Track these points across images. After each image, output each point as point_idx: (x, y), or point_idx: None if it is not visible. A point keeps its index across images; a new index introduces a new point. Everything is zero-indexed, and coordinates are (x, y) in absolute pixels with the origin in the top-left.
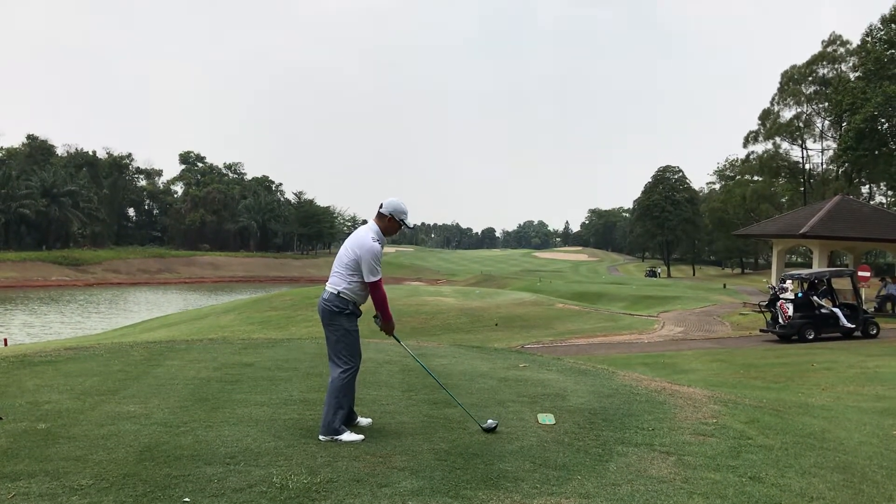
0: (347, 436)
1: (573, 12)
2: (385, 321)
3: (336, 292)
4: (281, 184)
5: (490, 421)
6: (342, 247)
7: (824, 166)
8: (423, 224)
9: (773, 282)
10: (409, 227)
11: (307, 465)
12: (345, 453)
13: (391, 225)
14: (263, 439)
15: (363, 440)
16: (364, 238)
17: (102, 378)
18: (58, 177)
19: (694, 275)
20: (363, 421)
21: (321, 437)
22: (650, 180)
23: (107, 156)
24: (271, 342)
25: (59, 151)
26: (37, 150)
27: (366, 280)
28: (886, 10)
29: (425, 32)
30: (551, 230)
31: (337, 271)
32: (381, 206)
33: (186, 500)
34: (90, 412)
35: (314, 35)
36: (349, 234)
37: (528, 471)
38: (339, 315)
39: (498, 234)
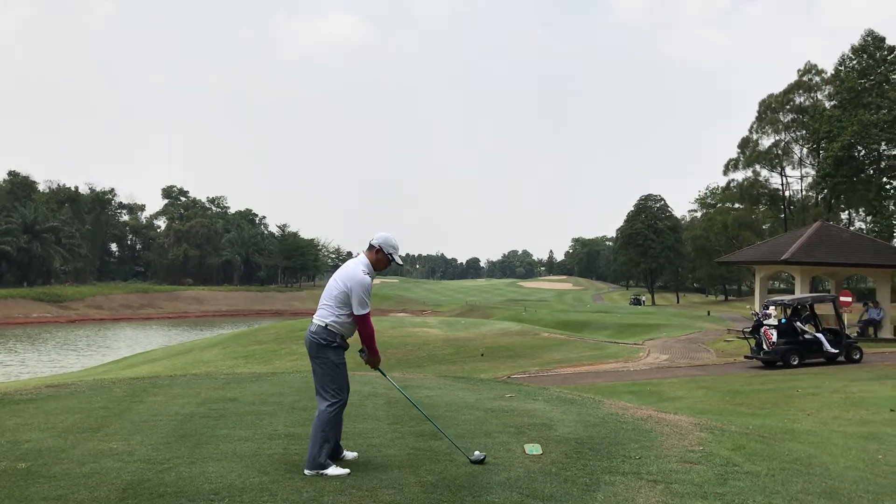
0: (333, 470)
1: (553, 44)
2: (371, 355)
3: (324, 325)
4: (264, 217)
5: (477, 453)
6: (331, 279)
7: (804, 193)
8: (407, 255)
9: (757, 308)
10: (398, 264)
11: (292, 500)
12: (331, 488)
13: (381, 259)
14: (248, 475)
15: (349, 474)
16: (355, 271)
17: (84, 415)
18: (39, 213)
19: (678, 302)
20: (349, 455)
21: (306, 472)
22: (632, 209)
23: (89, 191)
24: (255, 376)
25: (41, 187)
26: (18, 186)
27: (355, 312)
28: (856, 41)
29: (405, 65)
30: (536, 259)
31: (326, 304)
32: (372, 240)
33: None
34: (72, 450)
35: (295, 69)
36: (334, 266)
37: (516, 502)
38: (327, 348)
39: (483, 264)
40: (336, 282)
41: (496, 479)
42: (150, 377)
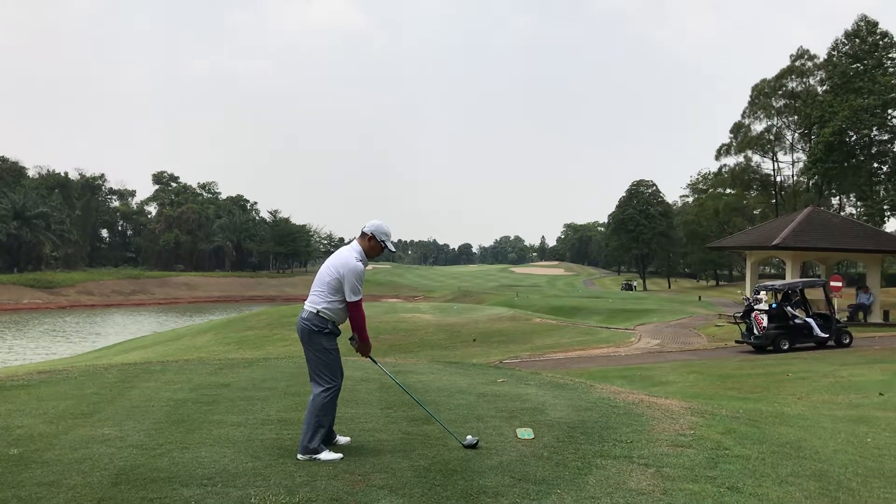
0: (326, 455)
1: (545, 30)
2: (362, 342)
3: (315, 311)
4: (256, 202)
5: (470, 437)
6: (323, 265)
7: (795, 178)
8: (399, 241)
9: (748, 293)
10: (391, 251)
11: (285, 485)
12: (323, 472)
13: (374, 246)
14: (241, 460)
15: (342, 459)
16: (348, 258)
17: (76, 401)
18: (29, 198)
19: (669, 287)
20: (341, 440)
21: (299, 456)
22: (624, 194)
23: (79, 177)
24: (248, 362)
25: (31, 173)
26: (7, 171)
27: (347, 299)
28: (850, 26)
29: (398, 51)
30: (528, 245)
31: (318, 290)
32: (364, 227)
33: None
34: (64, 436)
35: (287, 55)
36: (326, 252)
37: (508, 486)
38: (319, 334)
39: (475, 249)
40: (328, 268)
41: (488, 463)
42: (142, 363)
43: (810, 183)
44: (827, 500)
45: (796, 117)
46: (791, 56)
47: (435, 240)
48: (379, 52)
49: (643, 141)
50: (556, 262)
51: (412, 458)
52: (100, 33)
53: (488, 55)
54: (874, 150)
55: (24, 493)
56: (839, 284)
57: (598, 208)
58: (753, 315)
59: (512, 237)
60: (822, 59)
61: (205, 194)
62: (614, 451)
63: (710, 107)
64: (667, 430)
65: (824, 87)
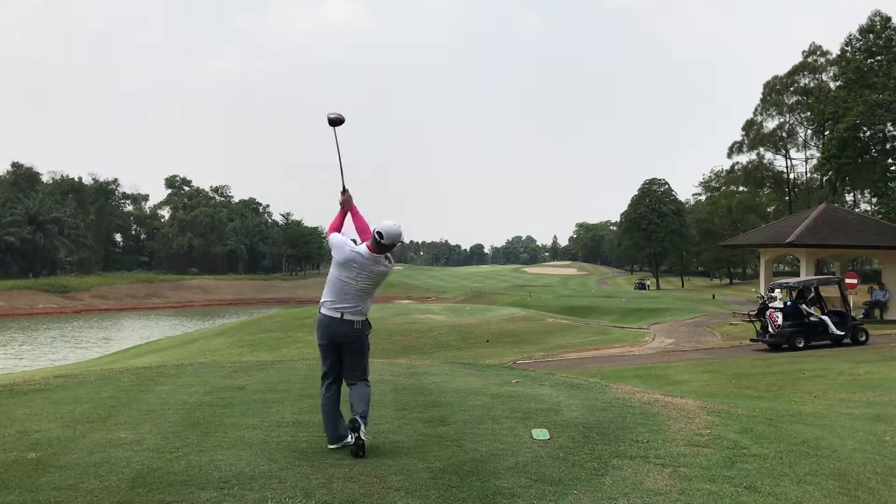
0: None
1: (554, 28)
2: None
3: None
4: (268, 205)
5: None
6: None
7: (808, 175)
8: (411, 242)
9: (762, 291)
10: (378, 240)
11: (302, 487)
12: (340, 474)
13: (374, 241)
14: (257, 463)
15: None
16: None
17: (92, 405)
18: (43, 204)
19: (683, 286)
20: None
21: (330, 446)
22: (636, 193)
23: (92, 182)
24: (262, 364)
25: (45, 178)
26: (22, 177)
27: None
28: (864, 21)
29: (404, 49)
30: (540, 245)
31: None
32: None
33: None
34: (81, 440)
35: (296, 57)
36: None
37: (524, 487)
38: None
39: (486, 250)
40: None
41: (504, 464)
42: (157, 366)
43: (824, 180)
44: (846, 499)
45: (809, 114)
46: (803, 52)
47: (447, 240)
48: (387, 52)
49: (655, 139)
50: (569, 262)
51: (428, 460)
52: (111, 38)
53: (498, 54)
54: (889, 145)
55: (42, 497)
56: (854, 281)
57: (610, 207)
58: (768, 313)
59: (524, 237)
60: (834, 55)
61: (217, 198)
62: (630, 451)
63: (722, 104)
64: (683, 429)
65: (837, 83)
